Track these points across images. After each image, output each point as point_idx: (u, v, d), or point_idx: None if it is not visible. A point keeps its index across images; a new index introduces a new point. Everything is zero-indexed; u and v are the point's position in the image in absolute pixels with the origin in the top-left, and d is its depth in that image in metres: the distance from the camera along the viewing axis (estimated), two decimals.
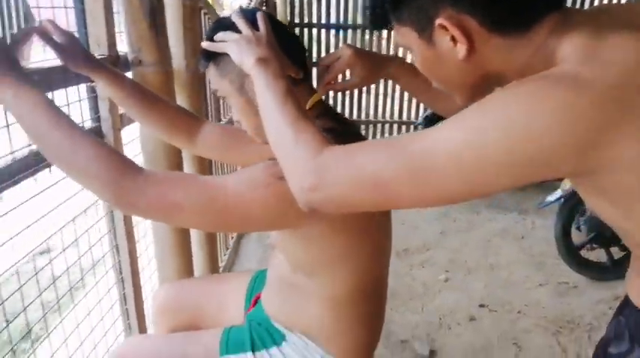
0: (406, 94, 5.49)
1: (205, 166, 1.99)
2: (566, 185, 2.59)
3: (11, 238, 1.01)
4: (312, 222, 0.86)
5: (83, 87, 1.25)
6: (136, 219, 1.57)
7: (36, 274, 1.11)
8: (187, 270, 1.72)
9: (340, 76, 1.04)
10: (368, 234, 0.93)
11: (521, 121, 0.54)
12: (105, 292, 1.48)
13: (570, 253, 2.61)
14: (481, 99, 0.59)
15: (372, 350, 1.06)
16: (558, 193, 2.61)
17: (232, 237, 3.03)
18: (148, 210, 0.80)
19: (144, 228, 1.75)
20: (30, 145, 1.03)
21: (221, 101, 2.44)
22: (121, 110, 1.38)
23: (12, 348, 1.09)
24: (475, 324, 2.24)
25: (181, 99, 1.65)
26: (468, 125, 0.57)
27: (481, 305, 2.38)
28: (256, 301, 1.20)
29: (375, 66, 1.01)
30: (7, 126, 0.98)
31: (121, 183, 0.78)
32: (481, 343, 2.10)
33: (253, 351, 1.02)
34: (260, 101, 0.77)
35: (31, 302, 1.10)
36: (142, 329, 1.58)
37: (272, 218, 0.83)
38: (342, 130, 0.90)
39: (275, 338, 1.03)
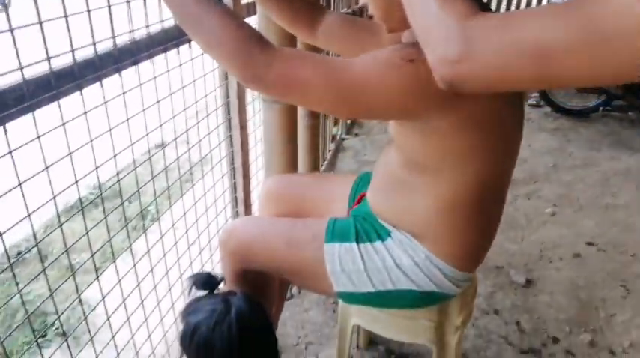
0: None
1: None
2: None
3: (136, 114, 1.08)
4: (439, 113, 0.81)
5: None
6: (248, 115, 1.62)
7: (151, 156, 1.19)
8: (292, 169, 1.77)
9: None
10: (496, 131, 0.86)
11: None
12: (218, 178, 1.58)
13: None
14: None
15: (479, 260, 1.03)
16: None
17: (330, 150, 3.07)
18: (273, 85, 0.80)
19: (253, 124, 1.80)
20: (162, 21, 1.07)
21: None
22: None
23: (142, 211, 1.21)
24: (579, 261, 2.11)
25: None
26: None
27: (589, 243, 2.22)
28: (361, 199, 1.21)
29: None
30: (145, 1, 1.01)
31: (250, 54, 0.78)
32: (584, 280, 1.99)
33: (357, 242, 1.04)
34: None
35: (159, 173, 1.20)
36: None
37: (398, 103, 0.80)
38: None
39: (380, 234, 1.04)
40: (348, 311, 1.25)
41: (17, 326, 0.98)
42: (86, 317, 1.00)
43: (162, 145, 1.28)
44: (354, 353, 1.63)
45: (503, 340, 1.69)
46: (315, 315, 1.79)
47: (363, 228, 1.06)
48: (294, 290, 1.91)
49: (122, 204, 1.08)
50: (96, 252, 0.99)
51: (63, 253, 0.92)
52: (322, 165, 2.79)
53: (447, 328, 1.15)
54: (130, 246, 1.17)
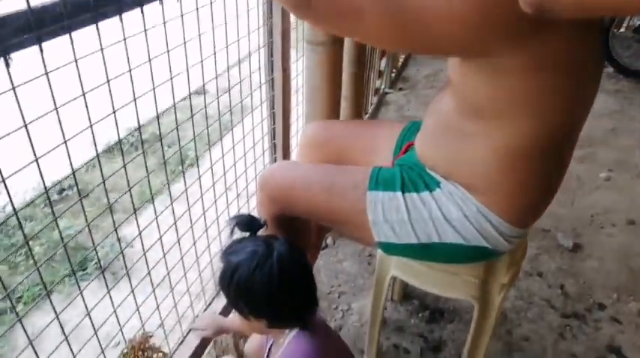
0: None
1: None
2: None
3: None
4: (512, 49, 0.71)
5: None
6: (291, 59, 1.55)
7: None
8: (334, 116, 1.70)
9: None
10: (572, 76, 0.76)
11: None
12: (258, 122, 1.53)
13: None
14: None
15: (536, 216, 0.95)
16: None
17: (372, 104, 2.97)
18: (323, 11, 0.73)
19: (295, 70, 1.73)
20: None
21: None
22: None
23: (180, 149, 1.18)
24: (634, 229, 1.98)
25: None
26: None
27: None
28: (407, 149, 1.14)
29: None
30: None
31: None
32: (637, 248, 1.87)
33: (403, 192, 0.98)
34: None
35: (198, 111, 1.15)
36: None
37: (464, 35, 0.71)
38: None
39: (428, 184, 0.97)
40: (386, 263, 1.21)
41: (52, 255, 0.98)
42: (122, 251, 1.00)
43: (202, 90, 1.23)
44: (388, 305, 1.61)
45: (546, 303, 1.62)
46: (350, 266, 1.77)
47: (409, 177, 1.00)
48: (329, 240, 1.88)
49: (161, 139, 1.05)
50: (133, 186, 0.97)
51: (98, 185, 0.90)
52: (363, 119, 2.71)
53: (492, 286, 1.09)
54: (168, 183, 1.15)
